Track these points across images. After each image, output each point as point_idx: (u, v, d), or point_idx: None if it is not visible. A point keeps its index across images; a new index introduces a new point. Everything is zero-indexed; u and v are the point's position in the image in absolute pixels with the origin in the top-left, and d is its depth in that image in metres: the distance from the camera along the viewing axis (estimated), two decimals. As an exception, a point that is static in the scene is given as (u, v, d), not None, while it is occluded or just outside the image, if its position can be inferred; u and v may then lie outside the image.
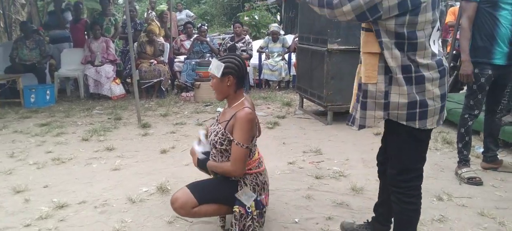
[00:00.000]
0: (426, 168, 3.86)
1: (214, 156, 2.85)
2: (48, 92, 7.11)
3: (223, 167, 2.56)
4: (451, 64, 6.22)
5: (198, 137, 2.84)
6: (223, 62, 2.53)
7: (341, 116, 5.83)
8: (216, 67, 2.57)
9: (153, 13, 11.47)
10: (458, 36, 6.06)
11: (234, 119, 2.50)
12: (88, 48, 7.85)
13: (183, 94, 7.66)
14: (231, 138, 2.50)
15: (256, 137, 2.66)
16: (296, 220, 2.92)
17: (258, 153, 2.69)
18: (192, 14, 13.11)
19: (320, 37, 5.63)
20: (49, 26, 8.64)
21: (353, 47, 5.42)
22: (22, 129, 5.54)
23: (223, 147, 2.53)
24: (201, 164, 2.71)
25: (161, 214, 3.06)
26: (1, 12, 12.23)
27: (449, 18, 8.00)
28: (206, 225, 2.87)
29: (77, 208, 3.20)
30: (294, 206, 3.16)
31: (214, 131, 2.60)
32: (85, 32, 8.50)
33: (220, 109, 2.19)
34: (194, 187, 2.56)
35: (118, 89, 7.74)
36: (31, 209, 3.19)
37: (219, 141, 2.53)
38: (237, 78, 2.57)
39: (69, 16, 8.59)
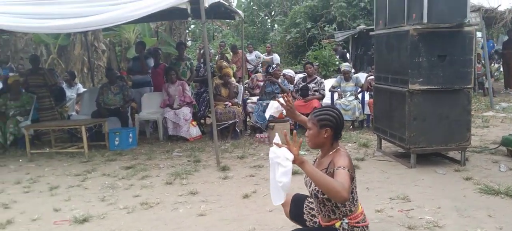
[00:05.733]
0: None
1: (310, 208, 2.83)
2: (130, 135, 7.46)
3: (333, 181, 2.26)
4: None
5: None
6: (322, 115, 2.56)
7: (425, 158, 5.59)
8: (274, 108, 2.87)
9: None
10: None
11: (332, 163, 2.48)
12: (166, 92, 8.20)
13: (257, 135, 7.73)
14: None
15: (355, 182, 2.59)
16: (395, 275, 2.79)
17: (361, 206, 2.64)
18: (261, 55, 13.38)
19: (399, 77, 5.49)
20: (132, 71, 9.17)
21: (436, 87, 5.24)
22: (110, 172, 5.82)
23: (326, 196, 2.48)
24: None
25: (252, 264, 3.05)
26: (86, 59, 13.22)
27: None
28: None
29: (170, 256, 3.26)
30: (390, 259, 3.02)
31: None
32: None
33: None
34: None
35: (194, 131, 7.97)
36: (127, 255, 3.30)
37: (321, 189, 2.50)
38: (335, 130, 2.58)
39: (151, 62, 9.06)
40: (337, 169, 2.39)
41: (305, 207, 2.88)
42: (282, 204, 3.07)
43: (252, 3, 25.33)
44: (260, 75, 9.33)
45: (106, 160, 6.57)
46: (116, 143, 7.34)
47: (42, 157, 6.88)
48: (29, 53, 14.00)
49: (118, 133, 7.39)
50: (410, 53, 5.19)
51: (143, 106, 8.49)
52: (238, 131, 7.97)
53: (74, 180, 5.55)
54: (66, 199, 4.78)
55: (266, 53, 13.02)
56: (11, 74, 11.10)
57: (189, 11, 5.90)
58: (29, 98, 7.91)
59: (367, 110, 8.30)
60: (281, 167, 2.27)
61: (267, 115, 3.44)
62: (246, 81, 9.86)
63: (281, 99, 3.15)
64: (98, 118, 7.78)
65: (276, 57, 12.82)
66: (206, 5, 5.91)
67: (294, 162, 2.27)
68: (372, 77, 7.97)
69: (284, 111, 3.18)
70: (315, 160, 2.78)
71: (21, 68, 12.72)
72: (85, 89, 10.47)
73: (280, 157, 2.27)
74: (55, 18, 5.97)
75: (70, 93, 9.89)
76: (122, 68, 13.75)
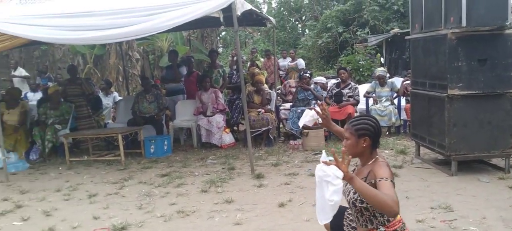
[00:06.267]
0: None
1: (350, 220, 2.77)
2: (165, 142, 7.55)
3: (383, 196, 2.19)
4: None
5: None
6: (360, 124, 2.52)
7: (466, 166, 5.41)
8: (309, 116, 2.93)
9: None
10: None
11: (372, 173, 2.43)
12: (199, 99, 8.27)
13: (291, 142, 7.68)
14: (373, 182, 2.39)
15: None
16: None
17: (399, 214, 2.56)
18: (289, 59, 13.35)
19: (438, 82, 5.35)
20: (166, 79, 9.31)
21: (476, 92, 5.07)
22: (146, 180, 5.89)
23: (364, 205, 2.44)
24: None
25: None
26: (121, 68, 13.52)
27: None
28: None
29: (208, 266, 3.26)
30: (434, 273, 2.92)
31: (351, 189, 2.52)
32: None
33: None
34: None
35: (228, 138, 7.99)
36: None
37: (359, 198, 2.44)
38: (373, 139, 2.53)
39: (184, 70, 9.17)
40: (379, 180, 2.34)
41: (346, 218, 2.82)
42: (327, 228, 2.99)
43: (282, 8, 25.31)
44: (292, 82, 9.30)
45: (142, 168, 6.66)
46: (152, 150, 7.44)
47: (80, 165, 7.05)
48: (66, 63, 14.44)
49: (153, 141, 7.49)
50: (448, 57, 5.04)
51: (177, 114, 8.60)
52: (272, 138, 7.94)
53: (111, 187, 5.65)
54: (105, 206, 4.87)
55: (290, 60, 12.99)
56: (49, 83, 11.45)
57: (221, 19, 5.92)
58: (68, 108, 8.13)
59: (403, 115, 8.13)
60: (331, 186, 2.20)
61: (301, 124, 3.40)
62: (278, 87, 9.83)
63: (317, 108, 3.11)
64: (134, 126, 7.92)
65: (300, 62, 12.80)
66: (239, 13, 5.92)
67: (343, 178, 2.22)
68: (408, 82, 7.80)
69: (320, 120, 3.14)
70: (354, 169, 2.73)
71: (60, 78, 13.10)
72: (121, 98, 10.69)
73: (330, 175, 2.20)
74: (91, 30, 6.11)
75: (107, 101, 10.11)
76: (156, 76, 13.98)
